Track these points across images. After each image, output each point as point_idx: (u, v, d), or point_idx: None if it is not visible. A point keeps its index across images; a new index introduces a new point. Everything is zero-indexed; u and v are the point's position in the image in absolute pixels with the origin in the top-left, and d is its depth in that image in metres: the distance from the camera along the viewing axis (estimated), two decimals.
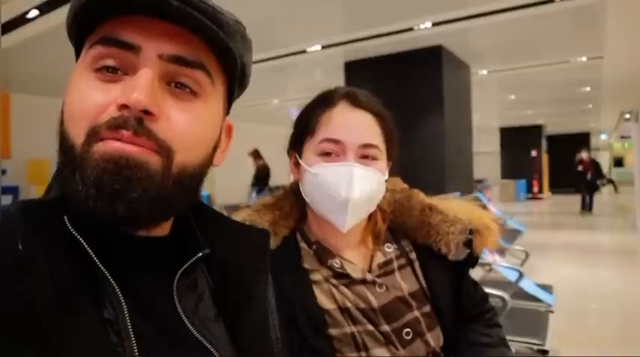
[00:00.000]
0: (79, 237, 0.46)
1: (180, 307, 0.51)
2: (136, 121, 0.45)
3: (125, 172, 0.44)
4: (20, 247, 0.42)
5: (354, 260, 0.94)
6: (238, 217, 0.93)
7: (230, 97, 0.59)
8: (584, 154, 12.92)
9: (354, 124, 0.90)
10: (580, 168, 12.70)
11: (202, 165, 0.53)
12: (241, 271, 0.61)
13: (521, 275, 3.11)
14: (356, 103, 0.92)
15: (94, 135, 0.45)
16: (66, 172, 0.47)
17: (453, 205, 0.99)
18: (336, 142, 0.89)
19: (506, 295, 2.61)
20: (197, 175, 0.52)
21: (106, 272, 0.46)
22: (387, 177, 0.94)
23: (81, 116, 0.46)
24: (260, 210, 0.97)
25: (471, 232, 0.95)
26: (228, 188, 11.23)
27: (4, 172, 8.05)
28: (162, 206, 0.49)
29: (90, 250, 0.46)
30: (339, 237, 0.93)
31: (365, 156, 0.89)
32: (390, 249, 0.97)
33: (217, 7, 0.51)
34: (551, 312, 2.97)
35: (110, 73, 0.48)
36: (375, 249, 0.96)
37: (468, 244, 0.94)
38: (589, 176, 12.49)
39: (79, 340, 0.41)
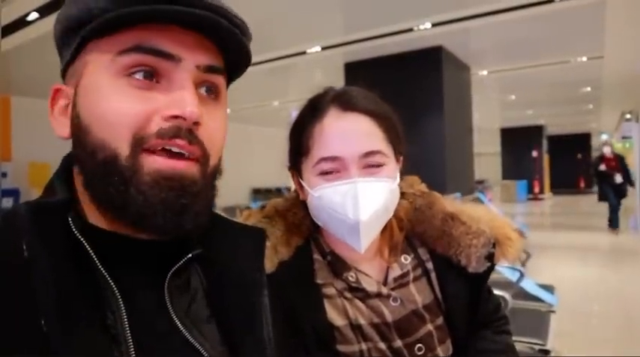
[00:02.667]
0: (82, 240, 0.46)
1: (172, 308, 0.52)
2: (187, 131, 0.48)
3: (188, 189, 0.49)
4: (25, 247, 0.42)
5: (370, 272, 0.90)
6: (248, 221, 0.89)
7: None
8: (606, 149, 9.19)
9: (349, 133, 0.82)
10: (602, 167, 9.05)
11: (219, 165, 0.56)
12: (236, 270, 0.61)
13: (522, 275, 3.11)
14: (348, 106, 0.84)
15: (140, 145, 0.47)
16: (113, 184, 0.47)
17: (473, 213, 0.93)
18: (333, 159, 0.81)
19: (507, 295, 2.62)
20: (217, 175, 0.55)
21: (107, 275, 0.46)
22: (398, 180, 0.87)
23: (121, 126, 0.47)
24: (272, 216, 0.91)
25: (493, 245, 0.89)
26: (228, 189, 11.23)
27: (4, 174, 8.05)
28: (209, 211, 0.54)
29: (92, 254, 0.46)
30: (354, 249, 0.86)
31: (369, 165, 0.82)
32: (407, 260, 0.92)
33: (230, 9, 0.53)
34: (553, 312, 2.96)
35: (144, 80, 0.49)
36: (391, 261, 0.91)
37: (490, 257, 0.89)
38: (618, 178, 8.95)
39: (78, 342, 0.42)
